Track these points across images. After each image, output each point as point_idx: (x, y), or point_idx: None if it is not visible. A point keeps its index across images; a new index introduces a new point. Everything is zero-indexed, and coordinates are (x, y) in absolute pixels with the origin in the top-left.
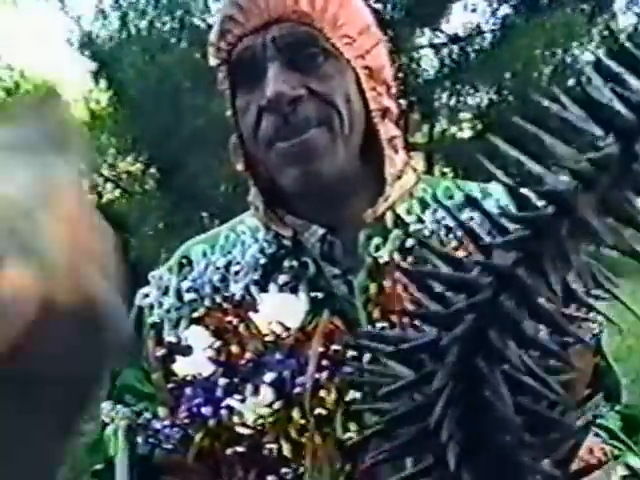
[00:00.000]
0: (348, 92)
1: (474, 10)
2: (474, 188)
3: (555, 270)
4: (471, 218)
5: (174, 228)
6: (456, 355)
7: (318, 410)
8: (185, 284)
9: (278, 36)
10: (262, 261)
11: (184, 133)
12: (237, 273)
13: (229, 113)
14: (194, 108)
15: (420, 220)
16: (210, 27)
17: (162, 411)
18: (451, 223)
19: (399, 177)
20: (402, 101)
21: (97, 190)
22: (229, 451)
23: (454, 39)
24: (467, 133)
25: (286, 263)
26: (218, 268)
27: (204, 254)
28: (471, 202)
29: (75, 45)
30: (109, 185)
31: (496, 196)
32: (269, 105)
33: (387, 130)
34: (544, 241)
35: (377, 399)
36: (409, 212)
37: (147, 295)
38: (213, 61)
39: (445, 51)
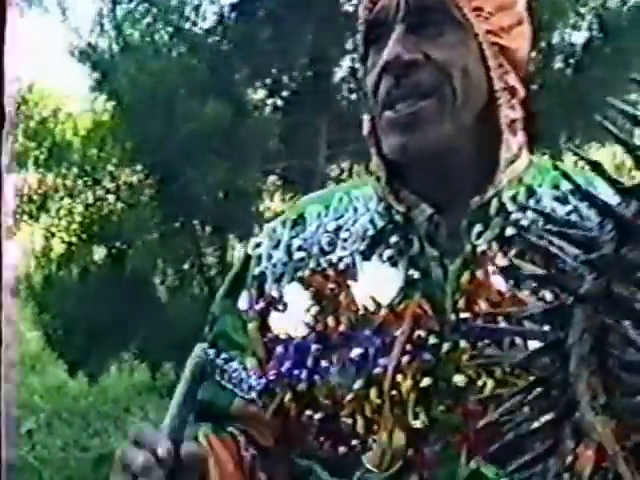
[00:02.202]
0: (467, 64)
1: None
2: (581, 180)
3: None
4: (575, 208)
5: (167, 238)
6: (582, 315)
7: (394, 392)
8: (296, 241)
9: None
10: (370, 232)
11: (178, 139)
12: (345, 240)
13: (361, 74)
14: (188, 113)
15: (522, 208)
16: (207, 31)
17: (250, 362)
18: (552, 213)
19: (513, 161)
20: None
21: (99, 203)
22: (307, 415)
23: None
24: None
25: (393, 238)
26: (328, 231)
27: (318, 215)
28: (581, 193)
29: (76, 56)
30: (110, 197)
31: (599, 189)
32: (385, 67)
33: (509, 111)
34: None
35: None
36: (514, 200)
37: (258, 245)
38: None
39: None
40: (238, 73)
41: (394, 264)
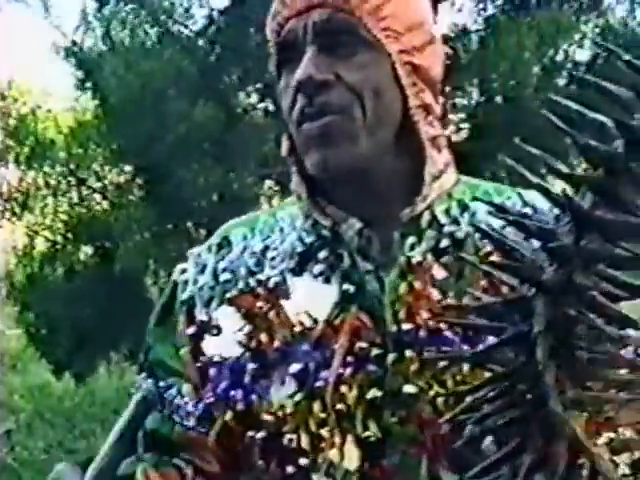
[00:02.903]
0: (379, 84)
1: (460, 10)
2: (513, 195)
3: (635, 205)
4: (510, 222)
5: (160, 238)
6: (545, 306)
7: (339, 405)
8: (222, 264)
9: (318, 21)
10: (299, 249)
11: (168, 141)
12: (273, 259)
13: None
14: (178, 115)
15: (456, 222)
16: (197, 34)
17: (186, 388)
18: (486, 227)
19: (439, 177)
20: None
21: (86, 202)
22: (249, 435)
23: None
24: (457, 135)
25: (322, 254)
26: (255, 252)
27: (244, 237)
28: (501, 211)
29: (61, 53)
30: (97, 196)
31: (534, 203)
32: (299, 87)
33: (429, 128)
34: (619, 177)
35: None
36: (447, 213)
37: (184, 271)
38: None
39: None
40: (229, 76)
41: (326, 279)
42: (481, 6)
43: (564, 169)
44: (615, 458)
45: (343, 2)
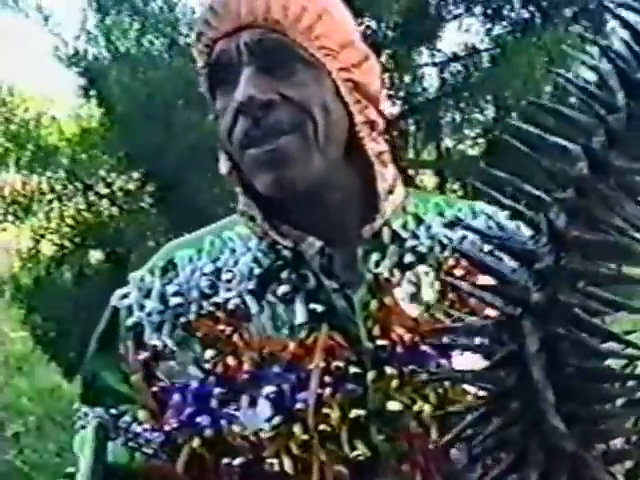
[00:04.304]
0: (325, 101)
1: (467, 30)
2: (463, 207)
3: (609, 223)
4: (464, 237)
5: None
6: (532, 326)
7: (322, 427)
8: (170, 288)
9: (249, 41)
10: (257, 271)
11: (178, 149)
12: (229, 281)
13: (211, 117)
14: (188, 124)
15: (415, 236)
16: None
17: (142, 414)
18: (445, 241)
19: (390, 192)
20: (410, 120)
21: (94, 208)
22: (224, 463)
23: (453, 58)
24: (473, 149)
25: (284, 274)
26: (206, 274)
27: (190, 259)
28: (459, 222)
29: (64, 61)
30: (105, 202)
31: (485, 214)
32: (240, 108)
33: (375, 144)
34: (589, 198)
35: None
36: (405, 227)
37: (125, 296)
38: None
39: (448, 69)
40: None
41: (291, 300)
42: (488, 26)
43: (533, 191)
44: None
45: (273, 22)
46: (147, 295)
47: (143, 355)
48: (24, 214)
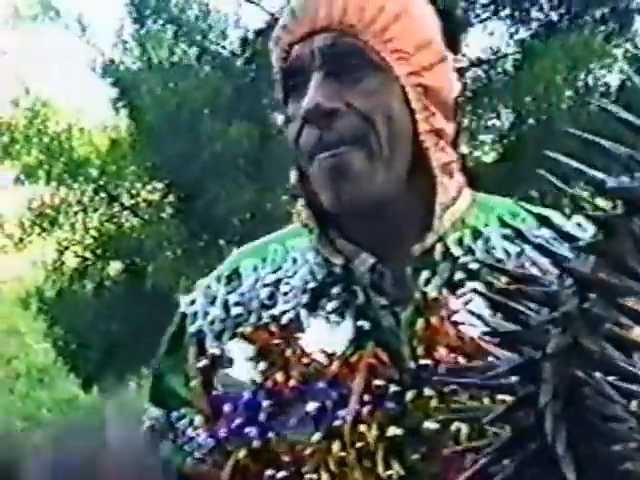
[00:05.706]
0: (391, 110)
1: (492, 34)
2: (528, 215)
3: (636, 266)
4: (522, 250)
5: (192, 255)
6: (552, 370)
7: (359, 444)
8: (233, 297)
9: (323, 46)
10: (311, 285)
11: (202, 159)
12: (286, 294)
13: (281, 121)
14: (213, 134)
15: (471, 251)
16: (233, 54)
17: (198, 419)
18: (502, 255)
19: (451, 205)
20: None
21: (116, 219)
22: (268, 475)
23: (476, 63)
24: (489, 156)
25: (335, 290)
26: (267, 284)
27: (254, 268)
28: (520, 236)
29: (97, 71)
30: (127, 213)
31: (550, 223)
32: (306, 116)
33: (441, 154)
34: (619, 240)
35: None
36: (460, 243)
37: (193, 302)
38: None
39: (468, 74)
40: (264, 96)
41: (340, 315)
42: (513, 30)
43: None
44: None
45: (348, 26)
46: (212, 302)
47: (203, 362)
48: (50, 226)
